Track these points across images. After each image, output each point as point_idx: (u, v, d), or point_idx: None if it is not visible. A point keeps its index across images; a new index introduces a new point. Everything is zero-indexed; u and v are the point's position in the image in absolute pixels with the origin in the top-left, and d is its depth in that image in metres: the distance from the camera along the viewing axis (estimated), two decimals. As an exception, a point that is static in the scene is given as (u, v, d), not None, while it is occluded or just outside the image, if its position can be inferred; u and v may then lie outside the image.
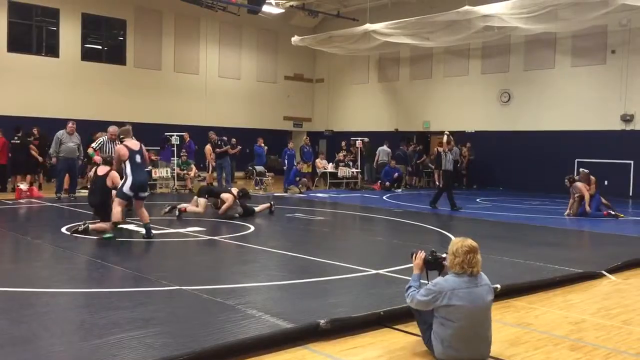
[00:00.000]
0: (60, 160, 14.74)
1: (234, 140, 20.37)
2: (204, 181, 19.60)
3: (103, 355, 4.02)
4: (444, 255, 4.40)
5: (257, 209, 12.57)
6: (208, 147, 19.65)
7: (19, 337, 4.39)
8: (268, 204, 12.87)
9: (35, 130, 17.45)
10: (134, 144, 8.82)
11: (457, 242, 4.18)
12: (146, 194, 8.99)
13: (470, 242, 4.16)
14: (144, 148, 8.99)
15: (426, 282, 4.41)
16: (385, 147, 23.17)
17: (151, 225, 8.91)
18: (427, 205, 14.93)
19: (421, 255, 4.50)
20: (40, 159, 16.79)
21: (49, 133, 15.74)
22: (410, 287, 4.36)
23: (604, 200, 13.79)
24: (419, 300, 4.23)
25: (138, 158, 8.64)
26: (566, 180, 14.05)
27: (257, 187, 19.48)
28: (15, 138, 16.63)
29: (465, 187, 22.33)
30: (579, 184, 13.62)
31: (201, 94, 25.73)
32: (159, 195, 16.77)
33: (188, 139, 19.89)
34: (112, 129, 11.35)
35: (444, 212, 14.30)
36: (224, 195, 11.78)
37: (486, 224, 12.35)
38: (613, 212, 13.53)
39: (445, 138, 14.72)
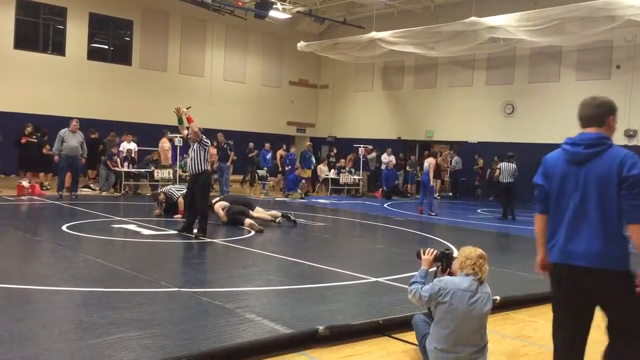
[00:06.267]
0: (62, 158, 14.77)
1: (231, 142, 20.29)
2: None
3: (100, 355, 4.02)
4: (454, 255, 4.47)
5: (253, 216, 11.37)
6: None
7: (17, 334, 4.38)
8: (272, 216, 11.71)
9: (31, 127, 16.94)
10: None
11: (470, 248, 4.33)
12: None
13: (481, 250, 4.31)
14: None
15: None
16: (372, 155, 23.31)
17: None
18: (426, 214, 14.94)
19: (434, 252, 4.54)
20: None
21: (53, 131, 15.67)
22: (415, 282, 4.38)
23: None
24: (422, 295, 4.25)
25: None
26: None
27: (262, 192, 19.42)
28: (34, 137, 16.38)
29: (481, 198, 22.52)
30: None
31: (205, 96, 25.73)
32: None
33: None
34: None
35: (444, 222, 14.27)
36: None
37: (487, 235, 12.34)
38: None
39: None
